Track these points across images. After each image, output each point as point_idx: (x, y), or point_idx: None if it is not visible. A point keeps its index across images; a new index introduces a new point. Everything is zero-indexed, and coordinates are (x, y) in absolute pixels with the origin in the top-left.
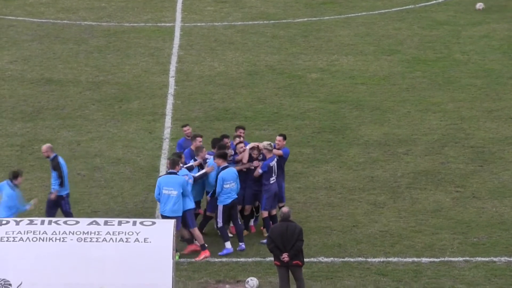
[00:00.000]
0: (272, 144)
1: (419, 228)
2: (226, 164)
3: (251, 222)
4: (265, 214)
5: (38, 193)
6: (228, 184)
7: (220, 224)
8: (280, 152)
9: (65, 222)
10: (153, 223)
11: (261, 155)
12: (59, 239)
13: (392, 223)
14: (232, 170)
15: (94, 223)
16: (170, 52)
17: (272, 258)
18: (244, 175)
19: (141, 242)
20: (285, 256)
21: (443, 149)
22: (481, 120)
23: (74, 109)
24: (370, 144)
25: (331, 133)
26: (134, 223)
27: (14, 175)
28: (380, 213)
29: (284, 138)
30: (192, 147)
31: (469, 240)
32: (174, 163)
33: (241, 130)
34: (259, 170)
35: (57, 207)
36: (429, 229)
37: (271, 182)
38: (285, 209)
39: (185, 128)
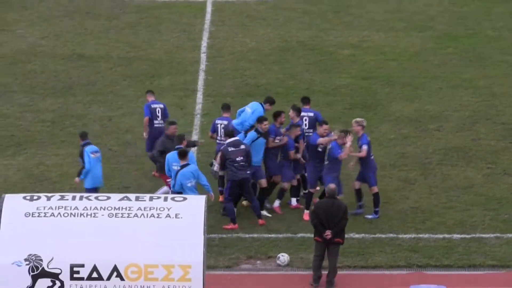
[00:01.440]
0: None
1: (450, 205)
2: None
3: (294, 202)
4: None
5: (69, 168)
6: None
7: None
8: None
9: (96, 198)
10: (185, 198)
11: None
12: (90, 215)
13: (423, 200)
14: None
15: (125, 198)
16: (201, 28)
17: (303, 234)
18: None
19: (172, 217)
20: (328, 234)
21: (474, 125)
22: None
23: (105, 85)
24: (401, 120)
25: (362, 109)
26: (166, 199)
27: None
28: (411, 190)
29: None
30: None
31: (500, 217)
32: (180, 139)
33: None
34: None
35: None
36: (460, 205)
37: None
38: (332, 186)
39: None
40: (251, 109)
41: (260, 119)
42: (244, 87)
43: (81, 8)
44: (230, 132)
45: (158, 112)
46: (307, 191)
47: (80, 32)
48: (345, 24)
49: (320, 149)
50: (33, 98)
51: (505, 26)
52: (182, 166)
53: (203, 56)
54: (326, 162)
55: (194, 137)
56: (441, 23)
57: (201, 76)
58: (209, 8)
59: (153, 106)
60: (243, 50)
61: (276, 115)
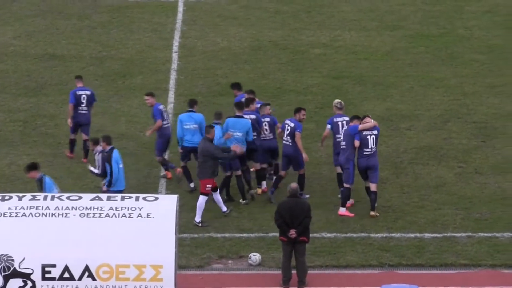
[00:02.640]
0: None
1: (421, 204)
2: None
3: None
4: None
5: (43, 168)
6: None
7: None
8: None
9: (68, 198)
10: (156, 198)
11: None
12: (62, 215)
13: (395, 199)
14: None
15: (97, 198)
16: (173, 27)
17: (275, 234)
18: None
19: (144, 217)
20: (293, 233)
21: (446, 124)
22: (483, 95)
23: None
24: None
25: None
26: (137, 199)
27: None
28: (382, 189)
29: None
30: None
31: (472, 216)
32: (192, 103)
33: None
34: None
35: None
36: (431, 204)
37: None
38: (293, 185)
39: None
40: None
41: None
42: (215, 86)
43: (53, 8)
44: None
45: (83, 99)
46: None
47: (52, 32)
48: (317, 23)
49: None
50: (5, 98)
51: (476, 25)
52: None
53: (174, 56)
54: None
55: None
56: (413, 22)
57: (173, 76)
58: (180, 8)
59: (79, 92)
60: (215, 50)
61: (296, 111)
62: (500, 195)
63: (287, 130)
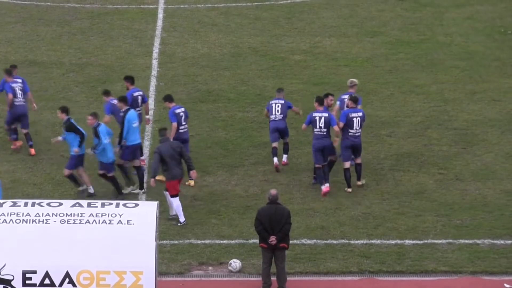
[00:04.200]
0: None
1: (402, 210)
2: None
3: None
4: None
5: (22, 174)
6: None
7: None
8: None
9: (48, 204)
10: (136, 205)
11: None
12: (43, 221)
13: (375, 205)
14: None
15: (77, 205)
16: (153, 34)
17: (255, 240)
18: None
19: (124, 224)
20: (273, 239)
21: (426, 131)
22: (464, 102)
23: (58, 91)
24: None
25: None
26: (117, 205)
27: None
28: (363, 195)
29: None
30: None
31: (452, 222)
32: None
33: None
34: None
35: None
36: (412, 211)
37: None
38: (273, 191)
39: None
40: None
41: None
42: (195, 93)
43: (33, 14)
44: None
45: (20, 90)
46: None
47: (32, 39)
48: (297, 30)
49: None
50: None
51: (456, 32)
52: None
53: (154, 62)
54: None
55: (146, 143)
56: (393, 28)
57: (153, 82)
58: (160, 14)
59: (13, 85)
60: (195, 56)
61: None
62: (480, 202)
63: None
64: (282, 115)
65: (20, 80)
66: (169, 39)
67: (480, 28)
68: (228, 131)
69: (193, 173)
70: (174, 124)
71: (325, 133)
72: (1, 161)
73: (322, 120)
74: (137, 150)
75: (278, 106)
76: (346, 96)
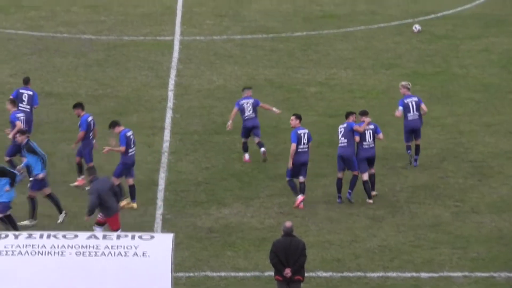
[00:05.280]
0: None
1: (418, 243)
2: None
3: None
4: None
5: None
6: None
7: None
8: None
9: (64, 236)
10: (152, 237)
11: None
12: (58, 253)
13: (391, 238)
14: None
15: (93, 237)
16: (169, 65)
17: (271, 273)
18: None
19: (140, 256)
20: (288, 272)
21: (442, 163)
22: (480, 134)
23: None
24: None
25: (329, 147)
26: (133, 237)
27: None
28: (379, 228)
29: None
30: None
31: (468, 255)
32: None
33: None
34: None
35: None
36: (428, 243)
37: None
38: (288, 224)
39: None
40: None
41: None
42: (211, 124)
43: (50, 46)
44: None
45: (25, 98)
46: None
47: (49, 70)
48: (312, 62)
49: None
50: (1, 136)
51: (472, 64)
52: None
53: (170, 94)
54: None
55: (162, 175)
56: (409, 60)
57: (169, 114)
58: (176, 46)
59: (21, 91)
60: (210, 88)
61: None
62: (496, 234)
63: (341, 131)
64: (254, 114)
65: (31, 92)
66: (185, 70)
67: (496, 60)
68: (244, 163)
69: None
70: (122, 148)
71: (306, 149)
72: (17, 193)
73: (306, 136)
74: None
75: (249, 105)
76: (409, 99)
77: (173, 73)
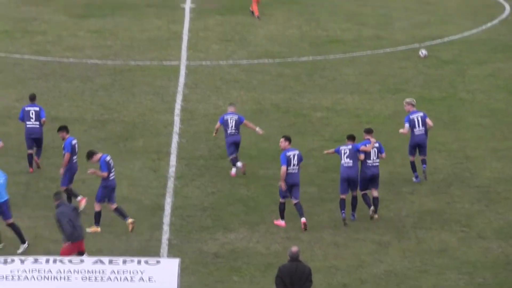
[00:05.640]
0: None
1: (424, 268)
2: None
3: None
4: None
5: (43, 231)
6: None
7: None
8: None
9: (69, 261)
10: (158, 262)
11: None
12: (64, 278)
13: (397, 263)
14: None
15: (99, 262)
16: (175, 90)
17: None
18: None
19: (146, 281)
20: None
21: (449, 188)
22: (486, 159)
23: (80, 147)
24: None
25: (335, 172)
26: (139, 262)
27: None
28: (385, 253)
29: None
30: None
31: (475, 281)
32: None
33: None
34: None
35: None
36: (434, 269)
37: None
38: (294, 249)
39: None
40: None
41: None
42: (217, 149)
43: (56, 70)
44: None
45: (32, 114)
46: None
47: (55, 95)
48: (319, 86)
49: None
50: (8, 160)
51: (479, 89)
52: None
53: (176, 119)
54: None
55: (168, 200)
56: (415, 85)
57: (175, 139)
58: (182, 71)
59: (27, 108)
60: (217, 113)
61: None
62: (503, 260)
63: (345, 153)
64: (237, 130)
65: (37, 108)
66: (191, 95)
67: (502, 85)
68: (249, 188)
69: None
70: (105, 173)
71: (296, 171)
72: (22, 217)
73: (296, 157)
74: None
75: (233, 121)
76: (415, 115)
77: (179, 98)
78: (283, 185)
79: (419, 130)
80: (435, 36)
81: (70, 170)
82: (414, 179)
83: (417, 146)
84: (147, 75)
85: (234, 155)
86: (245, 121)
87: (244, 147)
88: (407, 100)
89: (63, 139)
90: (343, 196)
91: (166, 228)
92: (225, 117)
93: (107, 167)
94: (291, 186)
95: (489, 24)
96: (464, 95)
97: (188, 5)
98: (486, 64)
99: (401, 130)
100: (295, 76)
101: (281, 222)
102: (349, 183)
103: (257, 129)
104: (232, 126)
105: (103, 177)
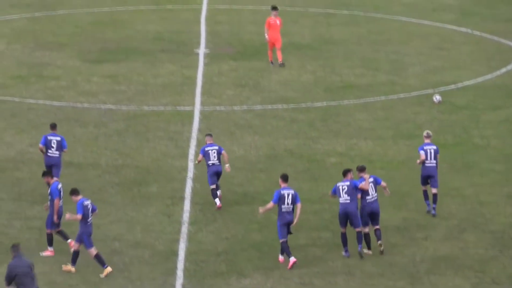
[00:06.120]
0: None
1: None
2: None
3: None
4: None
5: (57, 276)
6: None
7: None
8: None
9: None
10: None
11: None
12: None
13: None
14: None
15: None
16: (189, 135)
17: None
18: None
19: None
20: None
21: (463, 234)
22: (500, 205)
23: (93, 192)
24: (389, 229)
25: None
26: None
27: None
28: None
29: None
30: None
31: None
32: None
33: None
34: None
35: None
36: None
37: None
38: None
39: None
40: None
41: None
42: (231, 195)
43: (70, 116)
44: None
45: (53, 144)
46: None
47: (69, 140)
48: (333, 132)
49: None
50: (21, 205)
51: (493, 135)
52: None
53: (190, 164)
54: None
55: (181, 245)
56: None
57: (189, 184)
58: (196, 116)
59: (49, 137)
60: (231, 158)
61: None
62: None
63: (344, 189)
64: (218, 160)
65: (59, 138)
66: (205, 141)
67: None
68: (263, 233)
69: None
70: (79, 215)
71: (290, 210)
72: (37, 262)
73: (290, 197)
74: None
75: (214, 152)
76: (429, 147)
77: (193, 143)
78: (261, 210)
79: (430, 162)
80: (449, 82)
81: (57, 214)
82: (427, 207)
83: (428, 177)
84: (161, 120)
85: (215, 185)
86: (223, 152)
87: (258, 192)
88: (424, 133)
89: (49, 184)
90: (343, 230)
91: (180, 273)
92: (206, 149)
93: (82, 210)
94: (286, 224)
95: (503, 70)
96: (478, 141)
97: (202, 51)
98: (501, 109)
99: (418, 161)
100: (309, 122)
101: (292, 259)
102: (347, 217)
103: (226, 166)
104: (214, 157)
105: (79, 221)
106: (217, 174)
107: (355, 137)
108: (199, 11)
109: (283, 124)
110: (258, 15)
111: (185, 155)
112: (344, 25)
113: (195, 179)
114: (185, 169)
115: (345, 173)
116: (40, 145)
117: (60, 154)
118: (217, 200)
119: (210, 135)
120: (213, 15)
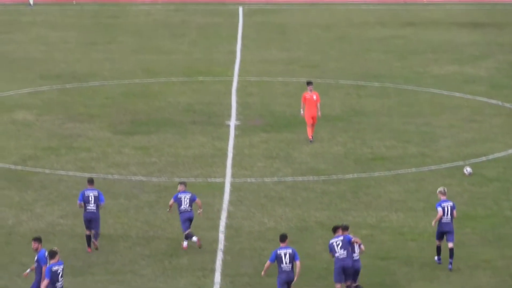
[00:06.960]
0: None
1: None
2: None
3: None
4: None
5: None
6: None
7: None
8: None
9: None
10: None
11: None
12: None
13: None
14: None
15: None
16: (220, 207)
17: None
18: None
19: None
20: None
21: None
22: None
23: (124, 264)
24: None
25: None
26: None
27: None
28: None
29: None
30: None
31: None
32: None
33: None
34: None
35: None
36: None
37: None
38: None
39: None
40: None
41: None
42: (262, 266)
43: (100, 187)
44: None
45: (91, 199)
46: None
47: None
48: (363, 204)
49: None
50: None
51: None
52: None
53: (221, 236)
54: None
55: None
56: (460, 203)
57: (219, 256)
58: (227, 188)
59: (87, 193)
60: (261, 230)
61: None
62: None
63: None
64: (190, 207)
65: (96, 193)
66: (236, 212)
67: None
68: None
69: None
70: (46, 280)
71: (290, 268)
72: None
73: (288, 256)
74: None
75: (186, 199)
76: (445, 204)
77: (224, 215)
78: (262, 273)
79: (446, 218)
80: (479, 154)
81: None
82: (436, 259)
83: (444, 233)
84: (192, 191)
85: (188, 230)
86: (197, 200)
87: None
88: (440, 189)
89: (37, 250)
90: (338, 286)
91: None
92: (179, 196)
93: (50, 275)
94: (286, 283)
95: None
96: (509, 213)
97: (233, 122)
98: None
99: (433, 221)
100: (339, 194)
101: None
102: (345, 272)
103: (199, 211)
104: (186, 204)
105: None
106: (190, 220)
107: (386, 209)
108: (230, 83)
109: (314, 196)
110: (288, 86)
111: (215, 227)
112: (374, 97)
113: (225, 251)
114: (215, 240)
115: (335, 229)
116: (79, 202)
117: (97, 209)
118: (194, 238)
119: (183, 183)
120: (244, 86)
